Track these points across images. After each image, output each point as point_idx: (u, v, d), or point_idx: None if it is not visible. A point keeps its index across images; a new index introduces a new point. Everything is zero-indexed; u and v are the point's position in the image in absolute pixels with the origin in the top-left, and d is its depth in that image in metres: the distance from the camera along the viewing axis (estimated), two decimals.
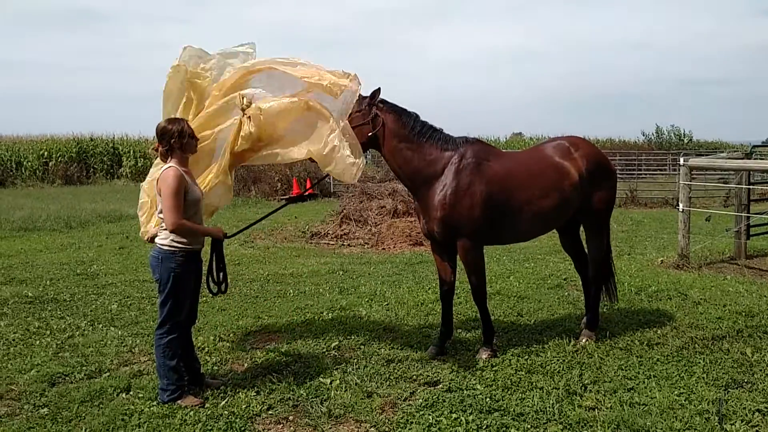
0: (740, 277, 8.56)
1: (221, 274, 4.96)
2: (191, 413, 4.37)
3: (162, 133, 4.56)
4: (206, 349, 5.76)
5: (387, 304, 7.34)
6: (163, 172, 4.51)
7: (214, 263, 4.93)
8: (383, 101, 5.45)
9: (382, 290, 8.08)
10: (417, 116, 5.51)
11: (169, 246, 4.52)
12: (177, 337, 4.62)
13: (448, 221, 5.32)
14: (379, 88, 5.38)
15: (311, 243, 12.53)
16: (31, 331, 6.38)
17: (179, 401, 4.53)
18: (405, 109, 5.51)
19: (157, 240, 4.60)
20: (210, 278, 4.91)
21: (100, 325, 6.57)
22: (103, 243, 12.32)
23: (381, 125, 5.36)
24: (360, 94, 5.21)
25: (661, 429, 4.08)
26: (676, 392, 4.66)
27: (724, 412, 4.31)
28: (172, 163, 4.55)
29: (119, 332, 6.31)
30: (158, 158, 4.73)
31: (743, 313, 6.64)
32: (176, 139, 4.53)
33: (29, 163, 31.70)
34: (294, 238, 13.00)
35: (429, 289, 7.96)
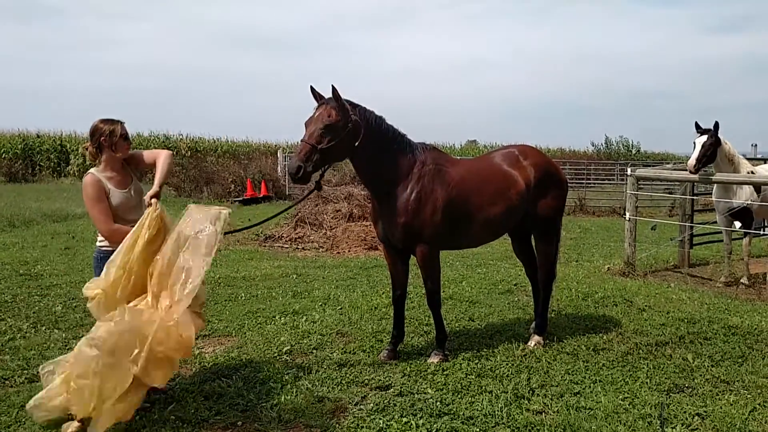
0: (683, 285, 8.84)
1: None
2: (137, 418, 4.27)
3: (93, 131, 4.47)
4: None
5: (340, 308, 7.32)
6: (83, 180, 4.43)
7: None
8: (352, 103, 5.18)
9: (336, 294, 8.06)
10: (384, 119, 5.40)
11: (108, 247, 4.42)
12: None
13: (411, 227, 5.30)
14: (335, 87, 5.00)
15: (265, 246, 12.41)
16: None
17: None
18: (373, 112, 5.32)
19: (97, 242, 4.50)
20: None
21: (44, 327, 6.37)
22: (48, 243, 11.94)
23: (362, 133, 5.11)
24: (335, 98, 4.98)
25: None
26: (620, 397, 4.78)
27: (666, 416, 4.44)
28: (94, 169, 4.47)
29: (63, 335, 6.14)
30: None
31: (685, 320, 6.86)
32: (106, 138, 4.43)
33: None
34: (247, 241, 12.85)
35: (383, 293, 7.97)
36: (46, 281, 8.56)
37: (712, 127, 8.37)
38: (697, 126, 8.51)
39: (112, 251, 4.36)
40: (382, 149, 5.28)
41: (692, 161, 8.37)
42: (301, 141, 4.99)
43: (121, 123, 4.54)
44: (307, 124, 5.06)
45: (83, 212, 16.34)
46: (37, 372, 4.54)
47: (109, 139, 4.43)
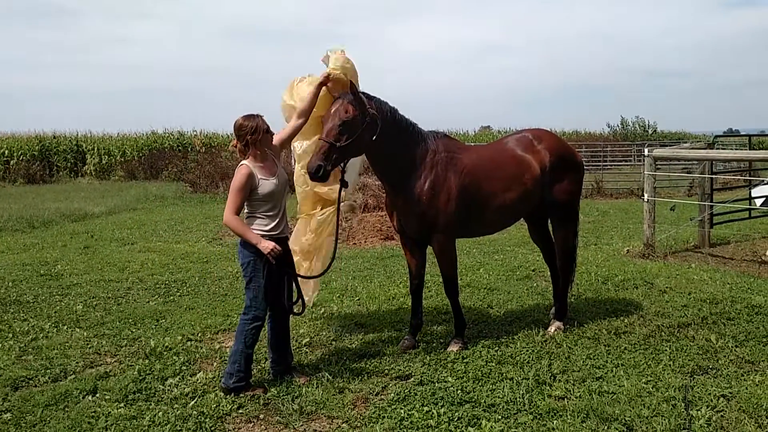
0: (704, 265, 8.73)
1: (289, 290, 4.92)
2: (159, 414, 4.30)
3: (239, 129, 4.66)
4: (174, 348, 5.67)
5: (358, 299, 7.32)
6: (237, 168, 4.63)
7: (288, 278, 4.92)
8: (368, 96, 5.10)
9: (354, 285, 8.06)
10: (397, 110, 5.32)
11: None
12: (260, 327, 4.74)
13: (426, 216, 5.28)
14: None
15: None
16: None
17: (244, 391, 4.63)
18: (387, 103, 5.24)
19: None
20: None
21: (65, 327, 6.43)
22: (67, 243, 12.05)
23: (378, 127, 5.03)
24: (352, 92, 4.93)
25: (630, 416, 4.14)
26: (643, 380, 4.73)
27: (691, 399, 4.40)
28: (246, 160, 4.65)
29: (84, 333, 6.19)
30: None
31: (708, 301, 6.77)
32: (251, 135, 4.61)
33: None
34: None
35: (400, 283, 7.96)
36: (67, 281, 8.64)
37: None
38: None
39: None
40: (395, 141, 5.23)
41: None
42: (319, 138, 4.93)
43: (261, 117, 4.72)
44: (323, 121, 5.00)
45: (101, 211, 16.52)
46: None
47: (254, 136, 4.61)
